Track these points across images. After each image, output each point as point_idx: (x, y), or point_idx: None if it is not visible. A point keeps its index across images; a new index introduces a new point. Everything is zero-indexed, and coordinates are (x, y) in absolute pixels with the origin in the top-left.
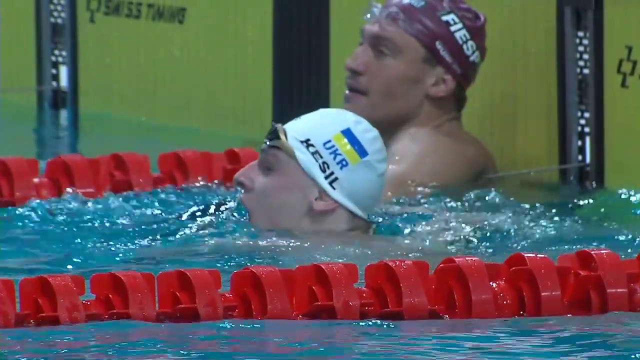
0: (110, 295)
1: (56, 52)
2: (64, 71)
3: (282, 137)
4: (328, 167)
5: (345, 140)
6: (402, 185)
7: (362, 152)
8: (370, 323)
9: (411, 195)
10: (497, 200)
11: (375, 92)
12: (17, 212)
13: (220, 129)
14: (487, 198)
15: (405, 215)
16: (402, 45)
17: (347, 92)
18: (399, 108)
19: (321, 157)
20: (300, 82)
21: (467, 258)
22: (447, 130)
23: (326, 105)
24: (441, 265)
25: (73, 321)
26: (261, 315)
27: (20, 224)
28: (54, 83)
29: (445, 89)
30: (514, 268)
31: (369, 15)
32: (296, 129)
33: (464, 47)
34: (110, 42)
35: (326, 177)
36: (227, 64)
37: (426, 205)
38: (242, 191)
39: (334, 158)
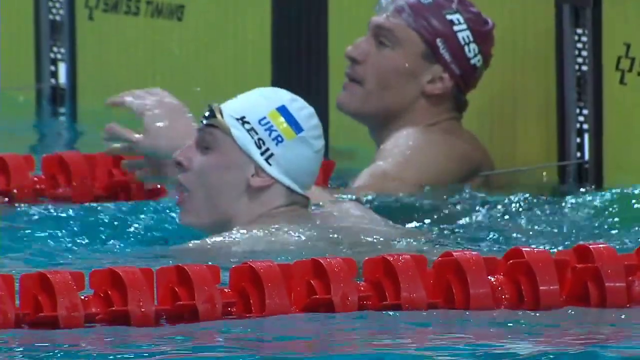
0: (109, 292)
1: (55, 49)
2: (62, 68)
3: (218, 115)
4: (264, 144)
5: (281, 116)
6: (384, 181)
7: (297, 128)
8: (368, 315)
9: (392, 192)
10: (492, 196)
11: (371, 82)
12: (17, 209)
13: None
14: (480, 195)
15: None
16: (403, 37)
17: (346, 81)
18: (393, 101)
19: (257, 133)
20: (299, 80)
21: (465, 252)
22: (442, 127)
23: (325, 103)
24: (439, 259)
25: (72, 320)
26: (260, 310)
27: (20, 220)
28: (53, 80)
29: (441, 87)
30: (512, 261)
31: (377, 8)
32: (232, 107)
33: (466, 48)
34: (109, 39)
35: (262, 154)
36: (226, 61)
37: (401, 202)
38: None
39: (270, 134)
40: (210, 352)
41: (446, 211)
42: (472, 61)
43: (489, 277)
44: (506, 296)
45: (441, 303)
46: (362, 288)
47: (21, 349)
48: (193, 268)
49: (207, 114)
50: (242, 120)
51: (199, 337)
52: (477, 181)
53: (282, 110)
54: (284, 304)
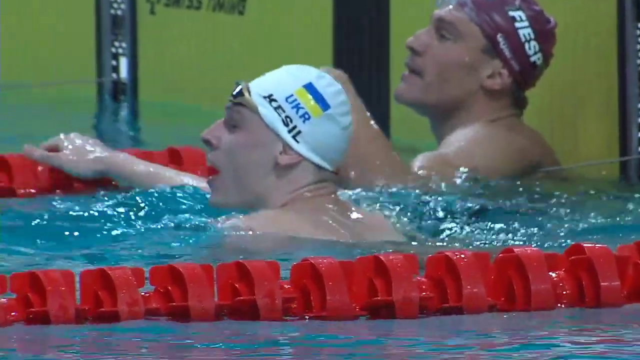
0: (169, 288)
1: (116, 43)
2: (124, 63)
3: (246, 93)
4: (291, 121)
5: (308, 94)
6: (442, 167)
7: (324, 105)
8: (429, 316)
9: (448, 179)
10: (552, 192)
11: (430, 74)
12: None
13: None
14: (540, 190)
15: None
16: (464, 31)
17: (405, 72)
18: (452, 94)
19: (284, 111)
20: (360, 73)
21: (526, 248)
22: (504, 123)
23: (387, 97)
24: (500, 255)
25: (133, 315)
26: (320, 307)
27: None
28: (114, 75)
29: (500, 82)
30: (573, 257)
31: (439, 1)
32: (259, 85)
33: (526, 45)
34: (170, 33)
35: (289, 131)
36: (286, 55)
37: (457, 190)
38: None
39: (297, 112)
40: (267, 348)
41: (503, 205)
42: (532, 58)
43: (550, 273)
44: (567, 292)
45: (502, 300)
46: (424, 287)
47: (83, 344)
48: (253, 264)
49: (234, 92)
50: (270, 99)
51: (258, 332)
52: (537, 177)
53: (309, 87)
54: (344, 301)
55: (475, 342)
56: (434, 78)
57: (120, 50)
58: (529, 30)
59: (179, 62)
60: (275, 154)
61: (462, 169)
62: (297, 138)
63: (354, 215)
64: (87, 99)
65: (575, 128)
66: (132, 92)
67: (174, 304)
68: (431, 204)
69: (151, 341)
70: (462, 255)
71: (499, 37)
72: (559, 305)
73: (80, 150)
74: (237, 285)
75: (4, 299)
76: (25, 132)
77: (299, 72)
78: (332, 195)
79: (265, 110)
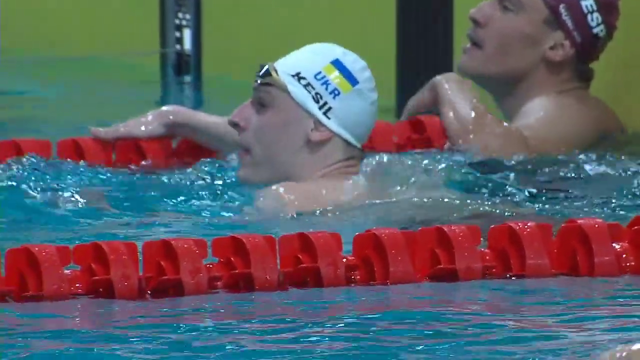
0: (232, 258)
1: (180, 15)
2: (187, 35)
3: (273, 73)
4: (321, 98)
5: (336, 70)
6: (532, 145)
7: (352, 80)
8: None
9: (545, 154)
10: (620, 161)
11: (491, 46)
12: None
13: None
14: (609, 159)
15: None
16: (527, 2)
17: (467, 44)
18: (512, 66)
19: (313, 88)
20: (425, 53)
21: (589, 219)
22: (572, 95)
23: (450, 58)
24: (564, 225)
25: (196, 285)
26: (383, 278)
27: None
28: (178, 46)
29: (562, 54)
30: (636, 228)
31: None
32: (286, 64)
33: (589, 17)
34: (235, 5)
35: (320, 108)
36: (351, 28)
37: (533, 163)
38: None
39: (326, 88)
40: (332, 314)
41: (574, 175)
42: (595, 30)
43: (614, 244)
44: (631, 264)
45: (565, 271)
46: (487, 257)
47: (148, 316)
48: (315, 235)
49: (261, 72)
50: (298, 77)
51: (323, 299)
52: (605, 145)
53: (337, 63)
54: (407, 271)
55: (536, 308)
56: (494, 50)
57: (184, 22)
58: (592, 1)
59: (242, 35)
60: (307, 131)
61: (537, 141)
62: (328, 114)
63: (383, 191)
64: (150, 70)
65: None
66: (196, 64)
67: (236, 271)
68: (500, 179)
69: (213, 312)
70: (525, 226)
71: (562, 8)
72: (622, 276)
73: (140, 117)
74: (300, 255)
75: (68, 271)
76: (85, 102)
77: (324, 50)
78: (358, 172)
79: (295, 88)
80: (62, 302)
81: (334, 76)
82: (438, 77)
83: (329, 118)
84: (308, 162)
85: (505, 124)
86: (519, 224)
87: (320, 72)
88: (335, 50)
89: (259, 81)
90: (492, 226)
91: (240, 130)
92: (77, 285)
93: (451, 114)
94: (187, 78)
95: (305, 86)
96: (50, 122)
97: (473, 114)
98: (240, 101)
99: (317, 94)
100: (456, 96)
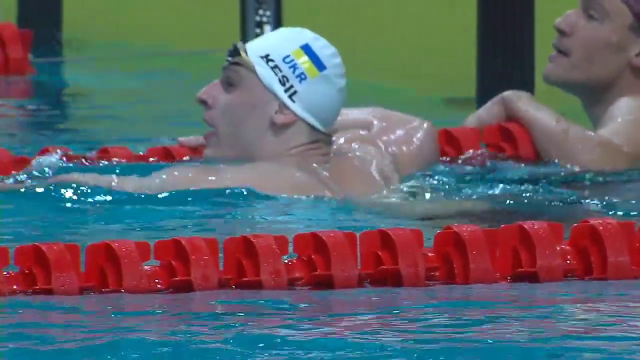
0: (312, 256)
1: (260, 12)
2: (268, 31)
3: (243, 53)
4: (287, 81)
5: (304, 55)
6: (609, 152)
7: (320, 66)
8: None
9: (611, 161)
10: None
11: (577, 54)
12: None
13: (423, 90)
14: None
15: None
16: (612, 10)
17: (552, 53)
18: (598, 73)
19: (281, 71)
20: (504, 53)
21: (601, 220)
22: None
23: (531, 77)
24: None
25: (276, 284)
26: (463, 276)
27: None
28: None
29: None
30: None
31: None
32: (256, 45)
33: None
34: (315, 2)
35: (286, 91)
36: (430, 33)
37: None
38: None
39: (293, 72)
40: (408, 314)
41: None
42: None
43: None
44: None
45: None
46: (568, 256)
47: (226, 311)
48: (397, 232)
49: (231, 52)
50: (267, 58)
51: (402, 297)
52: None
53: (306, 48)
54: (487, 269)
55: (617, 307)
56: (580, 58)
57: (264, 19)
58: None
59: (323, 32)
60: (271, 113)
61: (624, 149)
62: (293, 98)
63: (349, 176)
64: None
65: None
66: None
67: (318, 272)
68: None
69: (290, 310)
70: (608, 225)
71: None
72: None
73: None
74: (380, 253)
75: (147, 267)
76: (167, 98)
77: (295, 34)
78: (324, 156)
79: (263, 70)
80: (142, 296)
81: (303, 60)
82: (508, 93)
83: (293, 101)
84: (270, 143)
85: (591, 133)
86: (601, 222)
87: (289, 56)
88: (306, 35)
89: (228, 60)
90: (575, 225)
91: (207, 108)
92: (156, 280)
93: (540, 130)
94: None
95: (272, 68)
96: (141, 117)
97: (561, 129)
98: None
99: (283, 76)
100: (537, 112)
